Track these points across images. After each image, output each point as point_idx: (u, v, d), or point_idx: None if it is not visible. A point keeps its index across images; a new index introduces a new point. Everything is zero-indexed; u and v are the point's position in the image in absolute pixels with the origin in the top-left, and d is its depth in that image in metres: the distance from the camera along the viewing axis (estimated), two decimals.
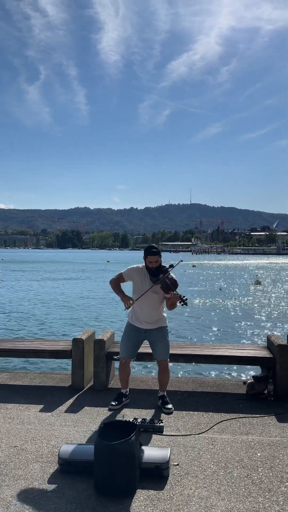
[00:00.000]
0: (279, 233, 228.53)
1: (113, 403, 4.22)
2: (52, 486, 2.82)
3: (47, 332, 12.14)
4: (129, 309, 4.27)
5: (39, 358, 6.96)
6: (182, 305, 3.99)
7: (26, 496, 2.69)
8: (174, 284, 4.00)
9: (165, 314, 4.34)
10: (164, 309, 4.32)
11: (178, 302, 4.00)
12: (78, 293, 22.94)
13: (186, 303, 3.97)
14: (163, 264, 4.13)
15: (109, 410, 4.16)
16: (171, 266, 4.09)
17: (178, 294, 3.97)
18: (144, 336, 4.28)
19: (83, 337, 4.92)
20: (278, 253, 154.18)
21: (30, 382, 5.10)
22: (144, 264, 4.15)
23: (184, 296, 3.98)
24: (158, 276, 4.03)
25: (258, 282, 28.94)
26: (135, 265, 4.25)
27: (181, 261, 4.72)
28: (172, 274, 4.07)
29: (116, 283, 4.25)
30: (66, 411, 4.19)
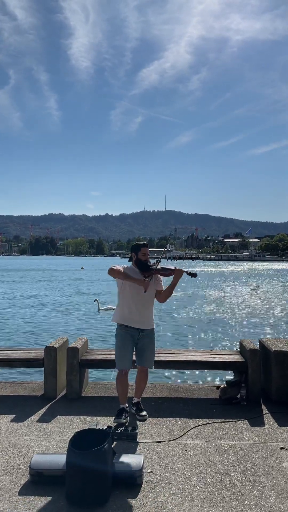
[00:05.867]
0: (251, 240, 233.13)
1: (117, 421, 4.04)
2: (23, 498, 2.76)
3: (18, 340, 11.90)
4: (117, 312, 4.20)
5: (10, 367, 6.81)
6: (192, 276, 3.96)
7: None
8: (169, 267, 4.06)
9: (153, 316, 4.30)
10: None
11: (187, 274, 3.99)
12: (51, 300, 22.64)
13: (194, 274, 3.95)
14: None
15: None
16: (157, 261, 4.16)
17: (182, 269, 4.00)
18: (137, 338, 4.16)
19: (56, 345, 4.85)
20: (251, 259, 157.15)
21: (1, 391, 4.98)
22: (128, 265, 4.18)
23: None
24: (148, 269, 4.03)
25: (256, 288, 30.56)
26: (120, 266, 4.11)
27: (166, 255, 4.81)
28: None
29: (121, 271, 4.01)
30: (38, 421, 4.11)
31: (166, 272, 4.05)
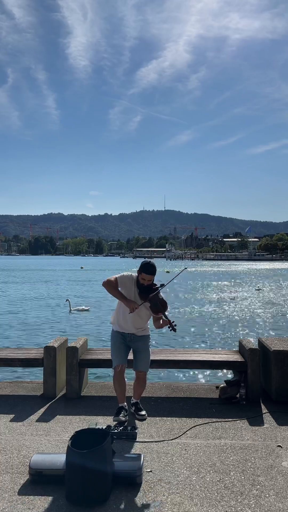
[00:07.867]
0: (250, 239, 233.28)
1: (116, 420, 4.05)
2: (23, 498, 2.75)
3: (18, 340, 11.91)
4: (114, 317, 4.25)
5: (10, 367, 6.81)
6: (171, 330, 3.90)
7: None
8: (163, 305, 3.89)
9: (148, 326, 4.31)
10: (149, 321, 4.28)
11: (167, 327, 3.93)
12: (50, 300, 22.64)
13: (175, 329, 3.87)
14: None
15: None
16: (162, 285, 3.99)
17: (168, 319, 3.89)
18: (129, 342, 4.20)
19: (55, 345, 4.85)
20: (250, 258, 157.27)
21: (0, 391, 4.97)
22: (136, 274, 4.09)
23: (173, 322, 3.91)
24: (147, 294, 3.92)
25: (259, 288, 30.46)
26: (127, 273, 4.13)
27: (184, 269, 4.77)
28: (161, 294, 3.95)
29: (115, 286, 4.05)
30: (37, 420, 4.11)
31: (154, 309, 3.90)
